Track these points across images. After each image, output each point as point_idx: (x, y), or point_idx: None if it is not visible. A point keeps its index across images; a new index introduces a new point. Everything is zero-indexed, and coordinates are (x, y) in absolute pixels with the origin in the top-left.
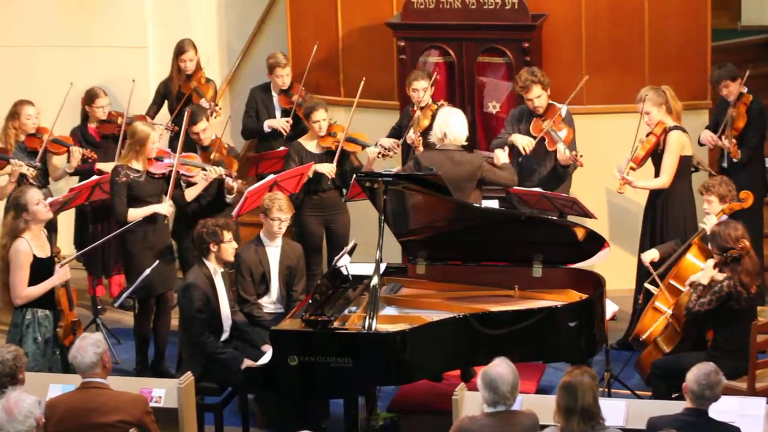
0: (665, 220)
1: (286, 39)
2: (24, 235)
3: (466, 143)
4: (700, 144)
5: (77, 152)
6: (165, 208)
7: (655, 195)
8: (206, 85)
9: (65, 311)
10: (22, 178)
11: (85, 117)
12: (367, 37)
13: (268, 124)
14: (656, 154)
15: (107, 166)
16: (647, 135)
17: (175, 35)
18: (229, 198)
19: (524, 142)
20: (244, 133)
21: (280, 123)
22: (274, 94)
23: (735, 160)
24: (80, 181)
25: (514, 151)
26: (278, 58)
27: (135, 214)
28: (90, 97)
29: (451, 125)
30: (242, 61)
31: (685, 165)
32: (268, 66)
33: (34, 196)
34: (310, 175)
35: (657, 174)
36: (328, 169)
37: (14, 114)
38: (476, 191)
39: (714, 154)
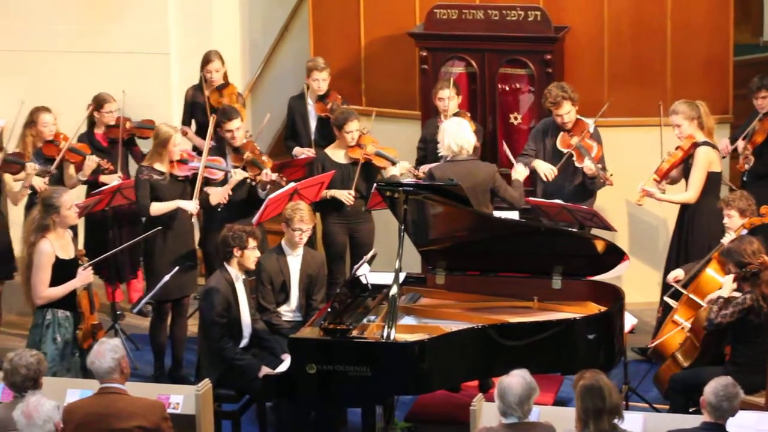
0: (691, 235)
1: (308, 47)
2: (48, 235)
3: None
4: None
5: (92, 161)
6: (191, 204)
7: (683, 210)
8: (242, 109)
9: (86, 314)
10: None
11: (92, 123)
12: (389, 47)
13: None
14: (688, 169)
15: (110, 178)
16: (675, 148)
17: (197, 42)
18: (262, 194)
19: (546, 170)
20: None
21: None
22: (309, 101)
23: (745, 168)
24: (89, 190)
25: (536, 175)
26: (317, 61)
27: (158, 207)
28: (99, 103)
29: (464, 136)
30: (265, 68)
31: (714, 181)
32: (306, 69)
33: (68, 200)
34: (328, 198)
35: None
36: (346, 196)
37: (31, 122)
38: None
39: (735, 169)
